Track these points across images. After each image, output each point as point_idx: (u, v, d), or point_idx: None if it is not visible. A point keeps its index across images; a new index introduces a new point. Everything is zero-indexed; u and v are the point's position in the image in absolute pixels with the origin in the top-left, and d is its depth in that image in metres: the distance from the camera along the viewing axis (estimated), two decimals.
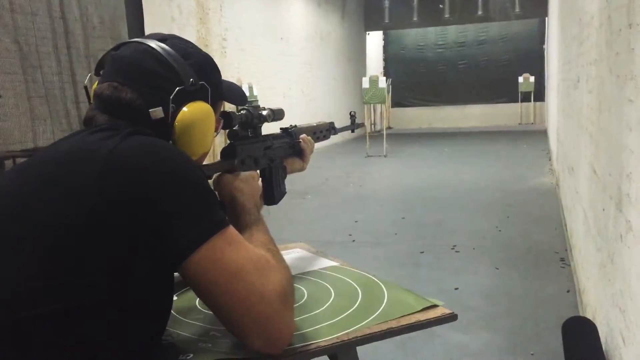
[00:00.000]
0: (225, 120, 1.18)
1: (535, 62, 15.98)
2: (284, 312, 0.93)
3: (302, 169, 1.48)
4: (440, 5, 15.55)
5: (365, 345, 1.06)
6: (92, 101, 1.04)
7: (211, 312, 0.95)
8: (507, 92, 16.67)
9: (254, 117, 1.26)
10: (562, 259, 3.84)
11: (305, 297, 1.23)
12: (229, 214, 1.13)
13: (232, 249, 0.92)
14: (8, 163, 3.71)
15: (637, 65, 1.44)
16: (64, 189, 0.88)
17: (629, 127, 1.54)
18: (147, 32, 5.27)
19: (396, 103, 17.79)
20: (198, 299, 1.15)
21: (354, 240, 4.65)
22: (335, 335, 1.04)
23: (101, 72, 1.05)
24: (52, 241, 0.85)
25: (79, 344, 0.84)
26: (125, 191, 0.86)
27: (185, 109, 1.01)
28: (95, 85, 1.04)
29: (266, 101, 8.81)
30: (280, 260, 1.02)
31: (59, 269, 0.84)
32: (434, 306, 1.14)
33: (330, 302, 1.20)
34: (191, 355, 0.99)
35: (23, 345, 0.83)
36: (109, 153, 0.89)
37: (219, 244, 0.90)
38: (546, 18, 13.59)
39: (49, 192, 0.88)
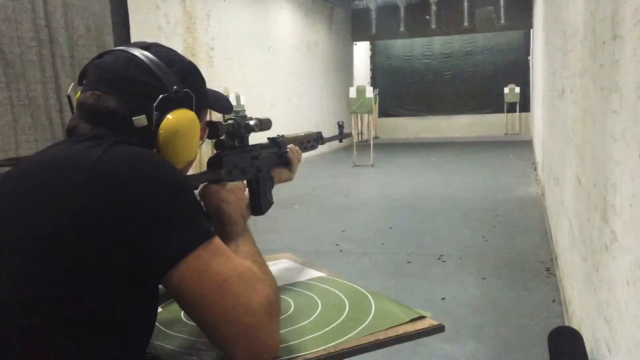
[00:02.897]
0: (212, 129, 1.17)
1: (521, 73, 16.14)
2: (269, 325, 0.92)
3: (289, 179, 1.48)
4: (427, 17, 15.67)
5: (352, 357, 1.05)
6: (75, 110, 1.03)
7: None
8: (493, 103, 16.80)
9: (241, 126, 1.26)
10: (548, 269, 3.86)
11: (292, 309, 1.22)
12: (215, 224, 1.12)
13: (218, 260, 0.91)
14: None
15: (622, 76, 1.45)
16: (47, 198, 0.86)
17: (613, 137, 1.56)
18: (133, 41, 5.25)
19: (383, 113, 17.84)
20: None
21: (341, 250, 4.64)
22: (322, 347, 1.03)
23: (84, 81, 1.04)
24: (33, 252, 0.84)
25: (60, 358, 0.82)
26: (109, 200, 0.85)
27: (169, 116, 1.00)
28: (78, 95, 1.03)
29: (253, 111, 8.78)
30: (267, 271, 1.01)
31: (39, 280, 0.82)
32: (422, 317, 1.14)
33: (317, 313, 1.19)
34: None
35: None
36: (93, 162, 0.88)
37: (204, 255, 0.89)
38: (531, 30, 13.75)
39: (32, 201, 0.87)
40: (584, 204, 2.23)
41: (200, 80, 1.11)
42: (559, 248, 3.67)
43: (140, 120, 0.98)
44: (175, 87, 1.01)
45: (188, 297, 0.90)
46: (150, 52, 1.02)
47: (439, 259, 4.27)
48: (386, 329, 1.10)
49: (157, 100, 0.99)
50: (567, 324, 2.72)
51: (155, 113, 0.99)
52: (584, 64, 2.29)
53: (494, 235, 4.92)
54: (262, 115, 1.39)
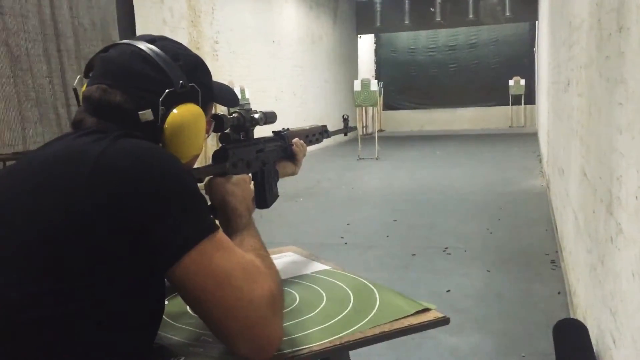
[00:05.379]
0: (217, 123, 1.17)
1: (526, 66, 16.08)
2: (272, 319, 0.93)
3: (294, 173, 1.48)
4: (432, 9, 15.61)
5: (357, 349, 1.06)
6: (81, 103, 1.03)
7: None
8: (498, 95, 16.75)
9: (246, 120, 1.26)
10: (553, 261, 3.86)
11: (297, 302, 1.23)
12: (221, 217, 1.13)
13: (221, 254, 0.91)
14: None
15: (627, 68, 1.45)
16: (52, 191, 0.87)
17: (619, 130, 1.55)
18: (138, 34, 5.26)
19: (388, 106, 17.82)
20: None
21: (346, 243, 4.65)
22: (327, 340, 1.03)
23: (90, 74, 1.04)
24: (38, 245, 0.84)
25: (67, 351, 0.83)
26: (113, 194, 0.85)
27: (175, 111, 1.00)
28: (84, 88, 1.03)
29: (258, 104, 8.80)
30: (270, 265, 1.02)
31: (45, 274, 0.83)
32: (426, 310, 1.14)
33: (322, 306, 1.20)
34: (183, 358, 0.98)
35: (8, 354, 0.82)
36: (98, 156, 0.88)
37: (208, 248, 0.90)
38: (536, 22, 13.68)
39: (36, 195, 0.88)
40: (589, 196, 2.22)
41: (207, 74, 1.10)
42: (564, 240, 3.67)
43: (146, 114, 0.98)
44: (181, 81, 1.01)
45: (191, 290, 0.90)
46: (157, 46, 1.02)
47: (444, 251, 4.28)
48: (391, 322, 1.10)
49: (163, 95, 0.99)
50: (572, 316, 2.72)
51: (161, 108, 0.99)
52: (590, 56, 2.28)
53: (499, 228, 4.92)
54: (266, 108, 1.39)
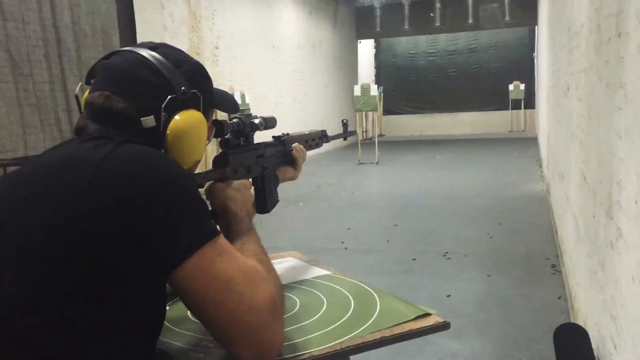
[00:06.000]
0: (218, 128, 1.18)
1: (526, 70, 16.10)
2: (273, 323, 0.93)
3: (294, 178, 1.48)
4: (431, 14, 15.64)
5: (357, 354, 1.06)
6: (83, 110, 1.03)
7: None
8: (497, 100, 16.77)
9: (246, 125, 1.26)
10: (553, 266, 3.86)
11: (297, 307, 1.23)
12: (221, 222, 1.13)
13: (222, 259, 0.91)
14: None
15: (627, 73, 1.45)
16: (55, 197, 0.87)
17: (618, 134, 1.56)
18: (139, 40, 5.28)
19: (388, 110, 17.84)
20: None
21: (346, 248, 4.65)
22: (327, 345, 1.03)
23: (92, 81, 1.05)
24: (41, 250, 0.84)
25: (67, 355, 0.83)
26: (115, 199, 0.86)
27: (177, 117, 1.01)
28: (86, 94, 1.04)
29: (258, 109, 8.81)
30: (271, 270, 1.02)
31: (47, 279, 0.83)
32: (427, 314, 1.14)
33: (322, 311, 1.20)
34: None
35: (9, 358, 0.82)
36: (100, 161, 0.88)
37: (209, 253, 0.90)
38: (536, 26, 13.70)
39: (40, 200, 0.88)
40: (589, 200, 2.23)
41: (208, 80, 1.11)
42: (564, 245, 3.67)
43: (148, 121, 0.99)
44: (183, 88, 1.02)
45: (193, 295, 0.90)
46: (158, 53, 1.03)
47: (444, 256, 4.27)
48: (391, 326, 1.10)
49: (165, 102, 0.99)
50: (572, 321, 2.72)
51: (163, 114, 1.00)
52: (589, 61, 2.29)
53: (499, 232, 4.92)
54: (266, 113, 1.39)
